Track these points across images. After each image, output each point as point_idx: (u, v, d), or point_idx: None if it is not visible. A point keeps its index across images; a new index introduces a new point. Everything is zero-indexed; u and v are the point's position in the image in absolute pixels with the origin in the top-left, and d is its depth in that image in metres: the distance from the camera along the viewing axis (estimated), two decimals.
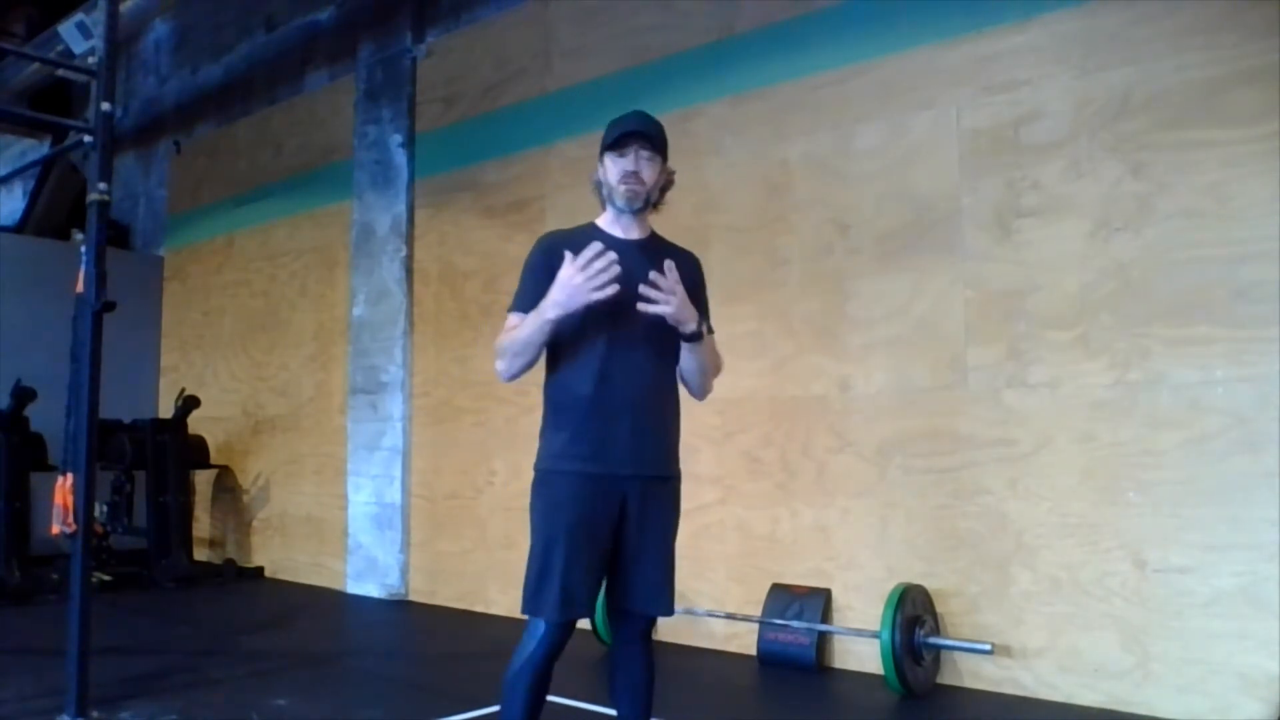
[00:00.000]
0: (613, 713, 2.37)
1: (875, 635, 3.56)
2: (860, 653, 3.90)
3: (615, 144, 2.27)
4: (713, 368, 2.38)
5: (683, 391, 2.38)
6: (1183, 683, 3.20)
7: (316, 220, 6.70)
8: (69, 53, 6.83)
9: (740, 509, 4.34)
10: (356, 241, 6.24)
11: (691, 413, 4.42)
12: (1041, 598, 3.50)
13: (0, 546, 5.76)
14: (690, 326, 2.20)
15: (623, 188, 2.27)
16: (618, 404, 2.20)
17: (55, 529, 3.32)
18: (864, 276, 4.06)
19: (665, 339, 2.24)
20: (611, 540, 2.21)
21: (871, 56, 4.10)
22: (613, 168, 2.28)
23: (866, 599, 3.90)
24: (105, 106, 3.43)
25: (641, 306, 2.14)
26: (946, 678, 3.70)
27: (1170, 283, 3.32)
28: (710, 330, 2.36)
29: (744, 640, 4.22)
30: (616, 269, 2.08)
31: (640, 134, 2.28)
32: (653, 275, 2.12)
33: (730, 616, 4.23)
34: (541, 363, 2.26)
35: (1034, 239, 3.63)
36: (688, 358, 2.31)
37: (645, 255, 2.25)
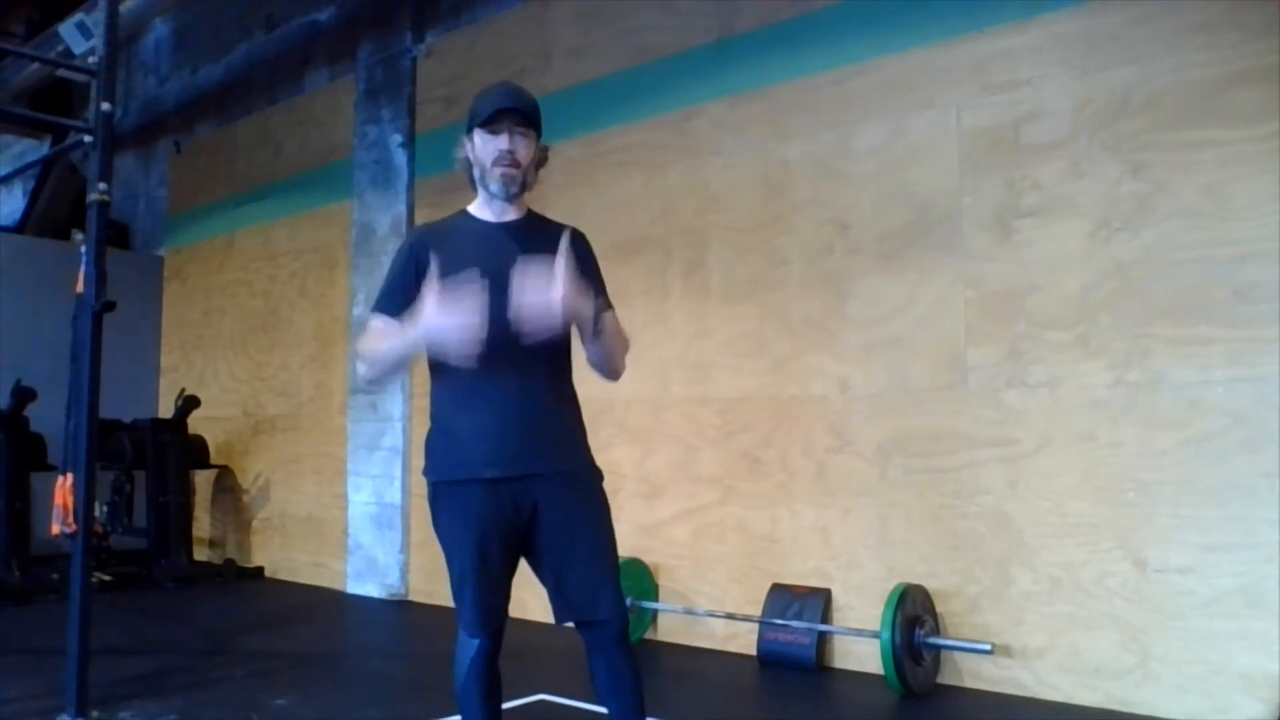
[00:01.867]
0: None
1: (875, 635, 3.56)
2: (860, 653, 3.90)
3: (487, 120, 2.09)
4: (621, 349, 2.20)
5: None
6: (1183, 683, 3.20)
7: (316, 220, 6.70)
8: (69, 53, 6.82)
9: (740, 509, 4.33)
10: (356, 241, 6.24)
11: (692, 413, 4.47)
12: (1041, 598, 3.50)
13: (0, 546, 5.76)
14: (588, 322, 2.00)
15: (498, 171, 2.11)
16: (506, 403, 2.06)
17: (55, 529, 3.32)
18: (864, 276, 4.06)
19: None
20: (524, 544, 2.10)
21: (871, 56, 4.10)
22: (485, 147, 2.12)
23: (866, 599, 3.90)
24: (105, 106, 3.44)
25: (526, 339, 1.93)
26: (946, 678, 3.70)
27: (1170, 283, 3.32)
28: (609, 306, 2.18)
29: (744, 640, 4.22)
30: (477, 318, 1.87)
31: (515, 110, 2.11)
32: (519, 279, 1.89)
33: (730, 616, 4.23)
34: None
35: (1034, 239, 3.63)
36: (592, 349, 2.11)
37: (520, 237, 2.12)
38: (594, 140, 5.01)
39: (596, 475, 2.21)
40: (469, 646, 2.10)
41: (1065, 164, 3.57)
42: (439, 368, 2.13)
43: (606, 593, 2.12)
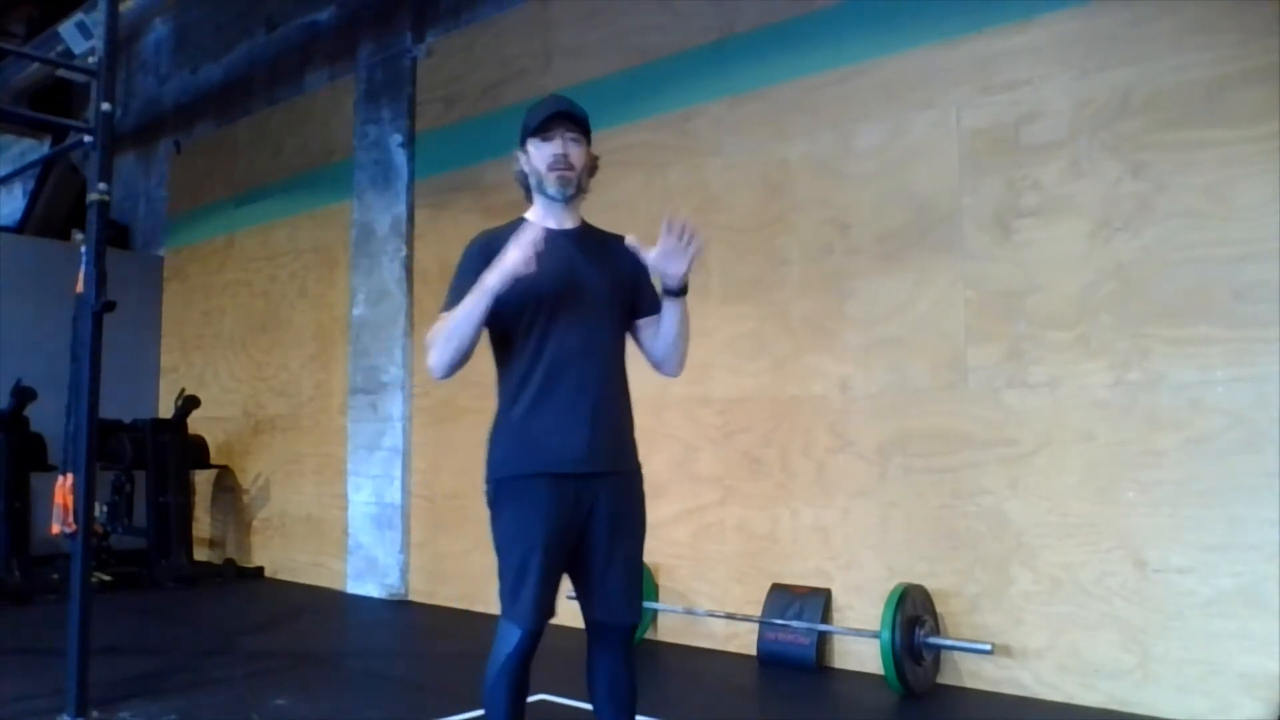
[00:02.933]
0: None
1: (875, 635, 3.56)
2: (860, 653, 3.90)
3: (540, 128, 2.18)
4: (688, 334, 2.28)
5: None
6: (1183, 683, 3.20)
7: (316, 220, 6.70)
8: (69, 53, 6.83)
9: (740, 509, 4.33)
10: (356, 241, 6.25)
11: (692, 413, 4.47)
12: (1041, 598, 3.50)
13: (0, 546, 5.76)
14: (683, 277, 2.12)
15: (554, 174, 2.18)
16: (576, 402, 2.13)
17: (55, 529, 3.32)
18: (864, 276, 4.06)
19: (614, 328, 2.21)
20: (577, 543, 2.14)
21: (871, 56, 4.10)
22: (539, 154, 2.19)
23: (866, 599, 3.90)
24: (105, 106, 3.44)
25: (651, 261, 2.11)
26: (946, 678, 3.70)
27: (1170, 283, 3.32)
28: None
29: (744, 640, 4.22)
30: (541, 234, 2.04)
31: (566, 115, 2.20)
32: (672, 219, 2.08)
33: (730, 616, 4.23)
34: (482, 368, 2.20)
35: (1034, 239, 3.63)
36: (672, 318, 2.20)
37: (581, 244, 2.21)
38: (594, 140, 4.97)
39: (641, 478, 2.28)
40: (510, 639, 2.11)
41: (1065, 164, 3.57)
42: (510, 364, 2.18)
43: (637, 597, 2.20)
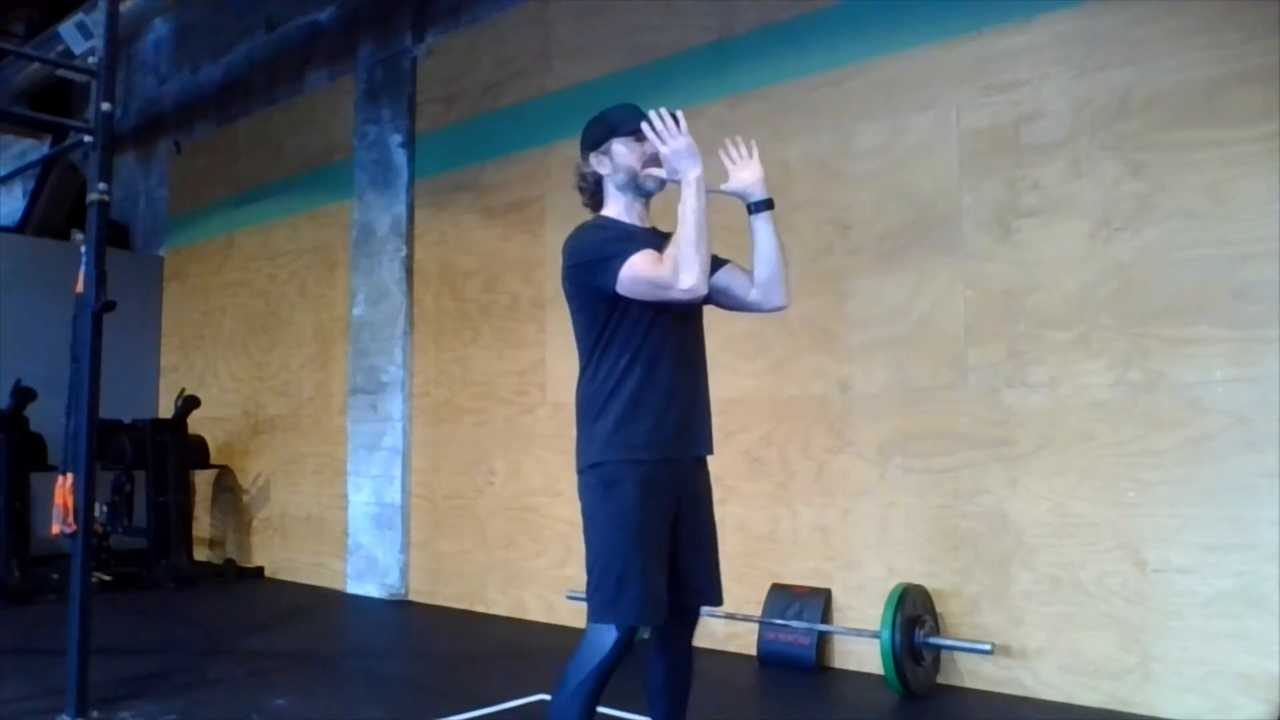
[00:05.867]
0: (626, 715, 2.33)
1: (875, 635, 3.56)
2: (860, 653, 3.90)
3: (633, 129, 2.24)
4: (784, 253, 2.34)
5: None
6: (1183, 683, 3.20)
7: (316, 220, 6.70)
8: (69, 53, 6.83)
9: (740, 509, 4.33)
10: (356, 241, 6.25)
11: None
12: (1041, 598, 3.50)
13: (0, 546, 5.76)
14: (762, 184, 2.26)
15: (650, 170, 2.25)
16: (678, 389, 2.18)
17: (55, 529, 3.32)
18: (864, 276, 4.06)
19: (698, 312, 2.28)
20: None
21: (871, 56, 4.10)
22: (630, 153, 2.25)
23: (866, 599, 3.90)
24: (105, 106, 3.44)
25: (728, 186, 2.24)
26: (946, 678, 3.70)
27: (1170, 283, 3.32)
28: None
29: (744, 640, 4.22)
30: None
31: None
32: (727, 142, 2.24)
33: (730, 616, 4.23)
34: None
35: (1034, 239, 3.63)
36: (766, 237, 2.29)
37: (666, 237, 2.25)
38: None
39: None
40: (605, 641, 2.05)
41: (1065, 164, 3.57)
42: (613, 352, 2.18)
43: (718, 580, 2.26)
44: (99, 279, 3.33)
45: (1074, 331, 3.51)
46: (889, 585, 3.70)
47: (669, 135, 2.14)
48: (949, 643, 3.61)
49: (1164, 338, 3.32)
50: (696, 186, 2.12)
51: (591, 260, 2.16)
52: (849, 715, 3.50)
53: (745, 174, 2.26)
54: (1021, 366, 3.62)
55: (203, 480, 7.28)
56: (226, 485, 7.22)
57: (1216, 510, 3.18)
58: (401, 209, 5.97)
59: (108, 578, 6.04)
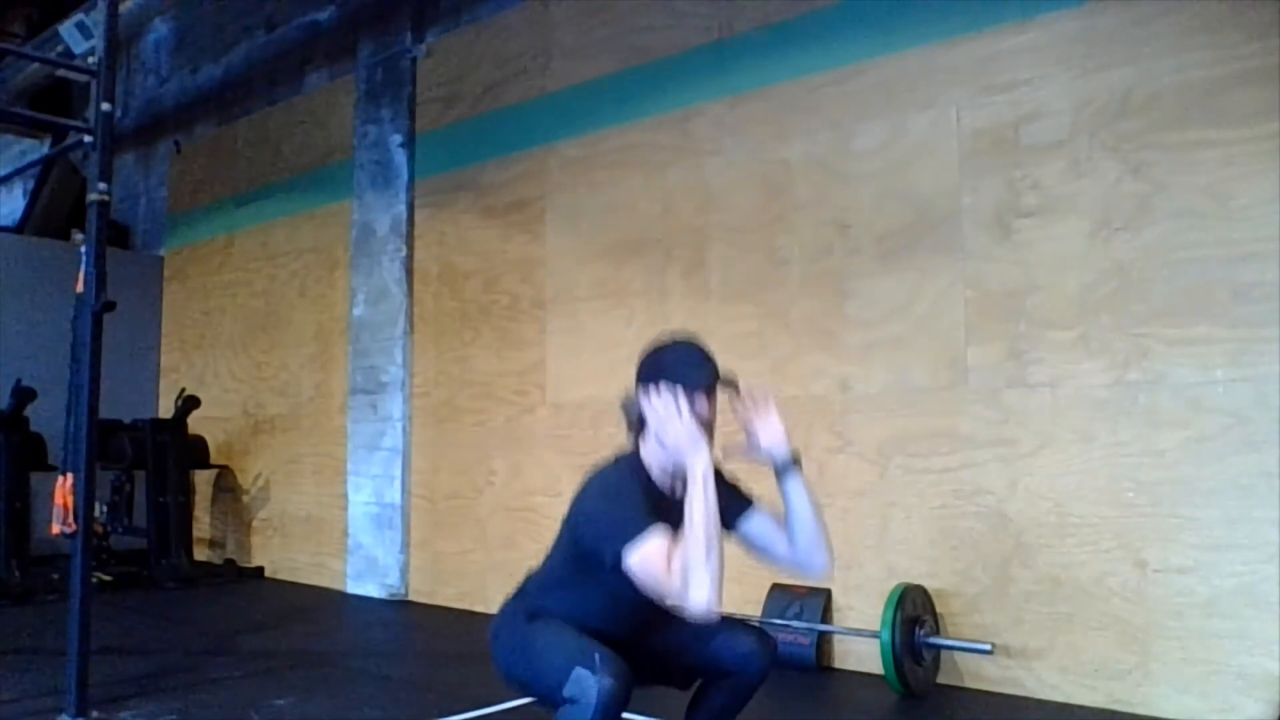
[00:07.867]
0: (630, 717, 2.31)
1: (875, 635, 3.56)
2: (860, 653, 3.90)
3: (703, 386, 2.04)
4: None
5: None
6: (1183, 683, 3.20)
7: (316, 220, 6.70)
8: (69, 53, 6.83)
9: None
10: (356, 241, 6.24)
11: None
12: (1041, 598, 3.50)
13: (0, 546, 5.76)
14: (786, 440, 2.02)
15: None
16: (623, 636, 2.09)
17: (55, 529, 3.32)
18: (864, 276, 4.06)
19: None
20: None
21: (871, 56, 4.10)
22: (685, 407, 2.01)
23: (866, 599, 3.90)
24: (105, 106, 3.43)
25: (751, 453, 2.01)
26: (946, 678, 3.70)
27: (1170, 283, 3.32)
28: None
29: None
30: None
31: (717, 380, 2.08)
32: (743, 388, 2.00)
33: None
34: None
35: (1034, 239, 3.63)
36: (800, 497, 2.09)
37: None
38: (594, 140, 5.01)
39: None
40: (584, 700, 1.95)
41: (1065, 164, 3.57)
42: (581, 586, 2.11)
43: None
44: (99, 279, 3.33)
45: (1074, 331, 3.51)
46: (889, 585, 3.70)
47: (669, 415, 1.94)
48: (949, 643, 3.61)
49: (1164, 338, 3.32)
50: (703, 482, 1.89)
51: (598, 535, 2.00)
52: (849, 715, 3.50)
53: (768, 433, 2.06)
54: (1021, 366, 3.62)
55: (203, 480, 7.28)
56: (226, 485, 7.22)
57: (1216, 510, 3.18)
58: (401, 209, 5.97)
59: (108, 578, 6.04)
